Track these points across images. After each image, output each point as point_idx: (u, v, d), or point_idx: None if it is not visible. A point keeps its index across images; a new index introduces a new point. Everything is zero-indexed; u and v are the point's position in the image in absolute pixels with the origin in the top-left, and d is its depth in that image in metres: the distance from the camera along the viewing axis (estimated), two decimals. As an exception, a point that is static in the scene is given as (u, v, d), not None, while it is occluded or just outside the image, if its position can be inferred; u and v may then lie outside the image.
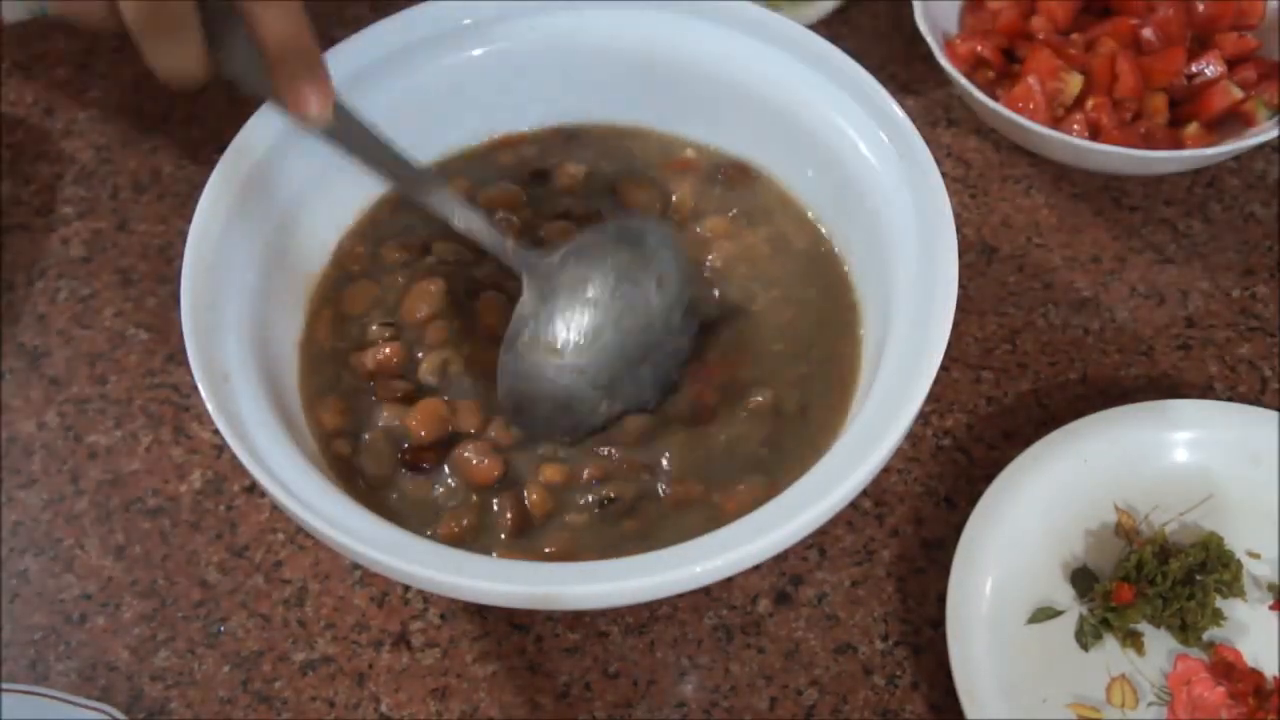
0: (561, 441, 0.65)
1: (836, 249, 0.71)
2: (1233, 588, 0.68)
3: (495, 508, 0.63)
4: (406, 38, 0.72)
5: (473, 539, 0.63)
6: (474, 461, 0.64)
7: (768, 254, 0.71)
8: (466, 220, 0.65)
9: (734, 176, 0.73)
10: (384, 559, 0.57)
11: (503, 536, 0.63)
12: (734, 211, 0.72)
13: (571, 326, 0.65)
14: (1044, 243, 0.82)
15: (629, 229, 0.68)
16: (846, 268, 0.70)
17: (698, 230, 0.72)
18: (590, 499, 0.63)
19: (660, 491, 0.64)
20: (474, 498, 0.64)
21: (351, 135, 0.63)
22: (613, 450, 0.65)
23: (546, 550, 0.62)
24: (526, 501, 0.63)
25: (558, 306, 0.65)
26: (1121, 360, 0.78)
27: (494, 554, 0.62)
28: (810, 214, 0.72)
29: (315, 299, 0.70)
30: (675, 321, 0.67)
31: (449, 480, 0.64)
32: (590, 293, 0.65)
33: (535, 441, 0.65)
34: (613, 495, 0.63)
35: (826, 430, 0.65)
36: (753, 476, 0.64)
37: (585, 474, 0.64)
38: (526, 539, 0.63)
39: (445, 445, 0.65)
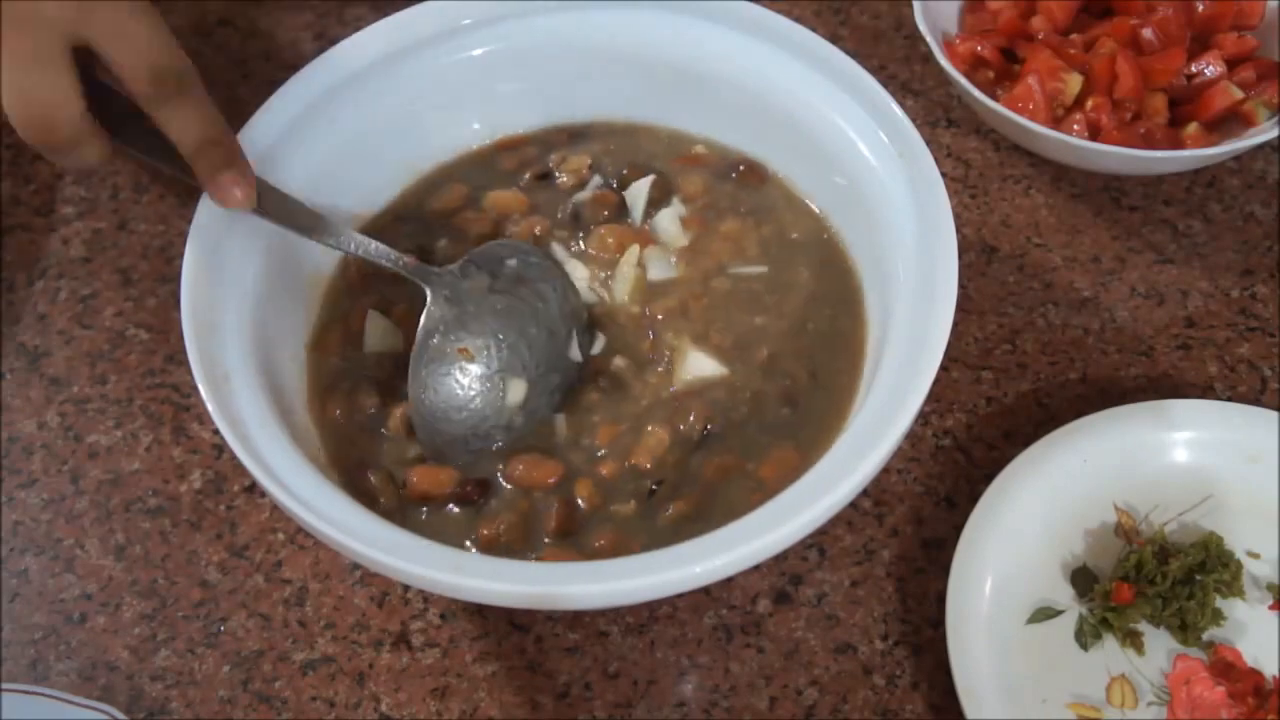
0: (466, 459, 0.65)
1: (841, 242, 0.71)
2: (1232, 587, 0.68)
3: (541, 509, 0.64)
4: (407, 38, 0.72)
5: (519, 543, 0.63)
6: (532, 471, 0.64)
7: (776, 243, 0.72)
8: (365, 248, 0.66)
9: (746, 174, 0.73)
10: (384, 559, 0.57)
11: (546, 540, 0.63)
12: (744, 208, 0.72)
13: (482, 329, 0.66)
14: (1044, 243, 0.82)
15: (510, 245, 0.70)
16: (851, 258, 0.71)
17: (710, 223, 0.72)
18: (634, 487, 0.64)
19: (696, 469, 0.64)
20: (523, 503, 0.64)
21: (268, 203, 0.65)
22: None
23: (597, 544, 0.63)
24: (578, 499, 0.64)
25: (467, 311, 0.66)
26: (1121, 360, 0.78)
27: (535, 556, 0.63)
28: (818, 210, 0.72)
29: (324, 306, 0.71)
30: (566, 331, 0.68)
31: (502, 490, 0.65)
32: (495, 298, 0.67)
33: (440, 460, 0.65)
34: (658, 481, 0.64)
35: (841, 394, 0.66)
36: (782, 442, 0.65)
37: (628, 464, 0.65)
38: (574, 537, 0.63)
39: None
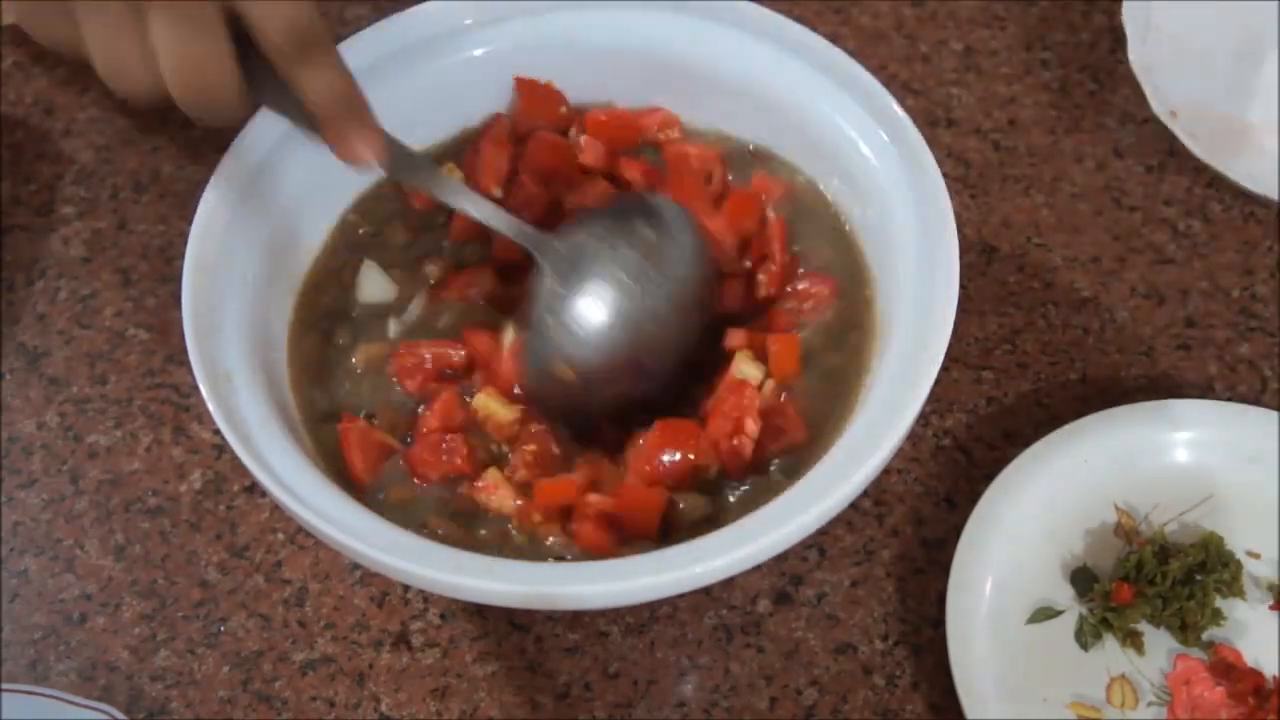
0: (572, 428, 0.65)
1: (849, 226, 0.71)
2: (1232, 587, 0.68)
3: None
4: (407, 38, 0.72)
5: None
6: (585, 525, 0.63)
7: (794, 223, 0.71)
8: (482, 211, 0.66)
9: (760, 157, 0.73)
10: (384, 559, 0.57)
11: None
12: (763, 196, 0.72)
13: (597, 307, 0.64)
14: (1044, 243, 0.82)
15: (648, 207, 0.67)
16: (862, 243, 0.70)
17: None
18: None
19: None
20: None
21: (395, 163, 0.65)
22: None
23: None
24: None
25: (584, 288, 0.64)
26: (1121, 360, 0.78)
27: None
28: (828, 195, 0.72)
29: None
30: (693, 310, 0.66)
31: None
32: (615, 273, 0.65)
33: (554, 424, 0.65)
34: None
35: (842, 395, 0.65)
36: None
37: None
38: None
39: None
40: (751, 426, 0.64)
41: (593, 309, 0.64)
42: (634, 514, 0.62)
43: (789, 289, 0.69)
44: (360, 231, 0.72)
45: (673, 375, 0.66)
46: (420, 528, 0.61)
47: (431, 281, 0.70)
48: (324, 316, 0.69)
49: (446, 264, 0.70)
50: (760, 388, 0.65)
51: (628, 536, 0.62)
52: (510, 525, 0.63)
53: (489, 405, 0.65)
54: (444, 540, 0.60)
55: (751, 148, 0.73)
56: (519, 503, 0.63)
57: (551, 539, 0.62)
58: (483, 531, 0.63)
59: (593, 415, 0.66)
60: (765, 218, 0.70)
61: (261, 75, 0.60)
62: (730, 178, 0.73)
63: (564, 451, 0.65)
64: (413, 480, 0.64)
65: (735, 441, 0.63)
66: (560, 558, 0.61)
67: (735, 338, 0.67)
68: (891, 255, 0.66)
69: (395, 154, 0.64)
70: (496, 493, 0.63)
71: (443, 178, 0.67)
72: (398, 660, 0.68)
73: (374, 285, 0.70)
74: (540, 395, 0.65)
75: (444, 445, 0.64)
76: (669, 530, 0.62)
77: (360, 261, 0.70)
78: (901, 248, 0.66)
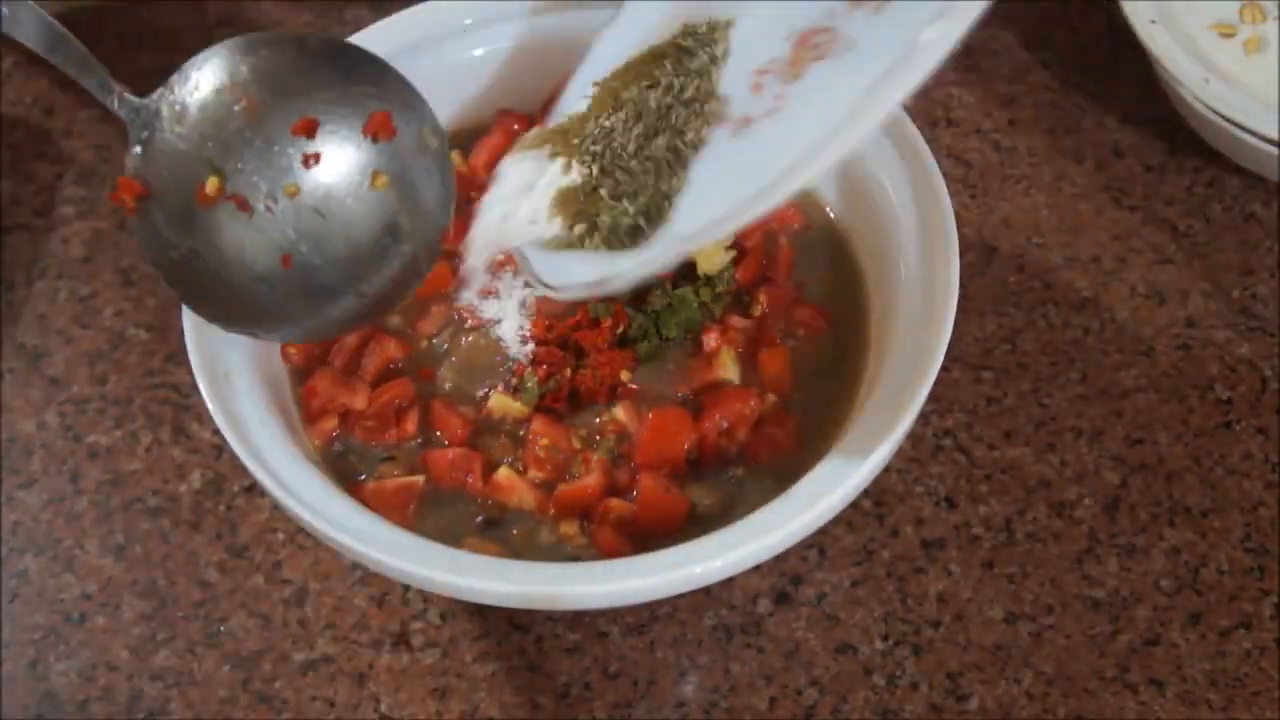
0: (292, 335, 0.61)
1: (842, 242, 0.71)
2: None
3: None
4: (407, 38, 0.72)
5: None
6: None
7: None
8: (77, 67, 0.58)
9: None
10: (384, 559, 0.57)
11: None
12: None
13: (180, 178, 0.58)
14: (1044, 243, 0.82)
15: (255, 51, 0.58)
16: (850, 244, 0.71)
17: None
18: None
19: None
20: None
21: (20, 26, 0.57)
22: None
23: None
24: None
25: (167, 155, 0.57)
26: (1121, 360, 0.78)
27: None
28: (821, 201, 0.72)
29: None
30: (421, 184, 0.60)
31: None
32: (198, 135, 0.57)
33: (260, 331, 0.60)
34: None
35: (842, 395, 0.66)
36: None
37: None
38: None
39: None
40: (741, 433, 0.65)
41: (174, 187, 0.57)
42: (655, 519, 0.62)
43: (786, 313, 0.69)
44: None
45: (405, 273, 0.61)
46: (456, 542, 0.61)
47: None
48: None
49: None
50: (762, 398, 0.65)
51: (647, 540, 0.61)
52: (537, 521, 0.63)
53: (505, 404, 0.65)
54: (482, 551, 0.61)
55: None
56: (538, 497, 0.63)
57: (571, 539, 0.63)
58: (515, 531, 0.63)
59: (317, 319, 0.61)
60: (777, 242, 0.71)
61: None
62: None
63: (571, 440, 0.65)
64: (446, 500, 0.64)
65: (723, 442, 0.64)
66: (574, 558, 0.62)
67: (712, 339, 0.67)
68: (891, 256, 0.66)
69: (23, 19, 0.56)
70: (515, 491, 0.63)
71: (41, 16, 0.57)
72: (398, 660, 0.68)
73: None
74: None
75: (452, 458, 0.64)
76: (687, 531, 0.62)
77: None
78: (901, 248, 0.66)
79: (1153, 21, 0.82)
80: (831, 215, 0.72)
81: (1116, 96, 0.88)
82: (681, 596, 0.69)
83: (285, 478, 0.59)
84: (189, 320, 0.62)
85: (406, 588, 0.70)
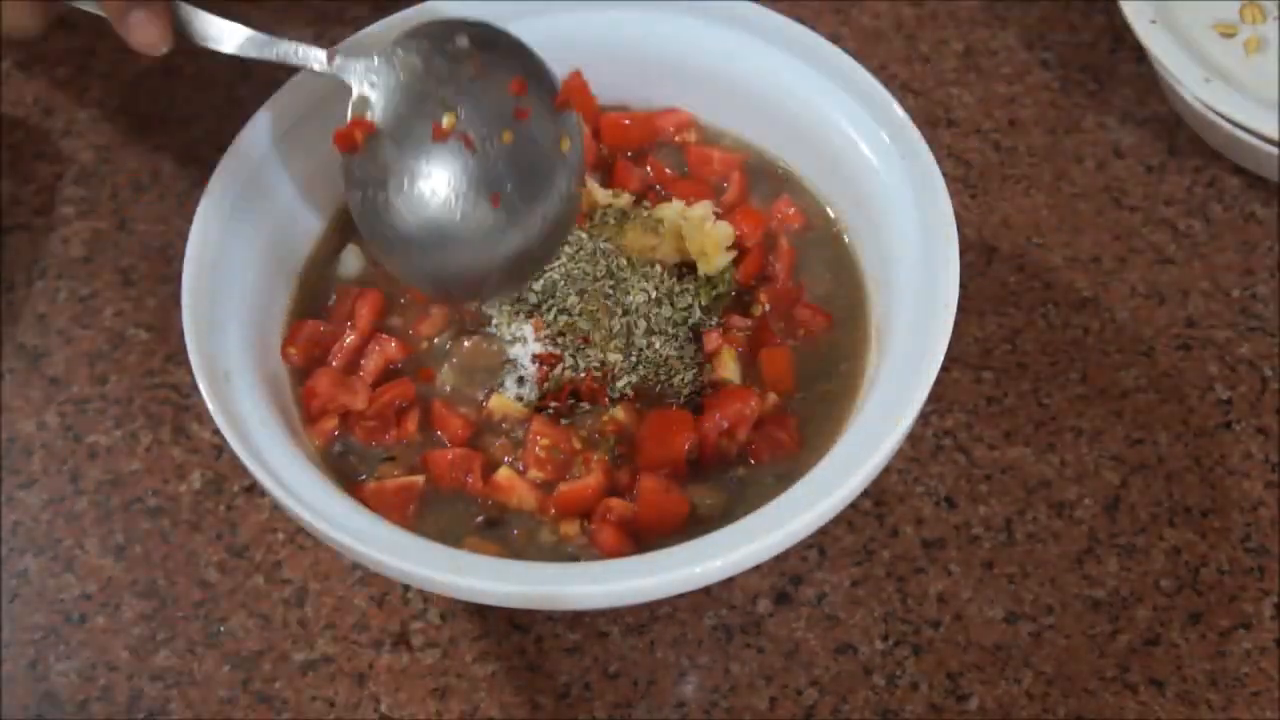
0: (463, 296, 0.65)
1: (842, 242, 0.71)
2: None
3: None
4: (407, 38, 0.72)
5: None
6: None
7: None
8: (272, 48, 0.64)
9: (789, 182, 0.74)
10: (384, 559, 0.57)
11: None
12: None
13: (416, 117, 0.63)
14: (1044, 243, 0.82)
15: (469, 27, 0.65)
16: (851, 244, 0.71)
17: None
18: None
19: None
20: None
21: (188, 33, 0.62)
22: None
23: None
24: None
25: (401, 99, 0.63)
26: (1121, 360, 0.78)
27: None
28: (822, 201, 0.72)
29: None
30: (553, 143, 0.65)
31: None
32: (430, 83, 0.63)
33: (439, 294, 0.65)
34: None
35: (842, 395, 0.66)
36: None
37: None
38: None
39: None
40: (742, 433, 0.65)
41: (411, 124, 0.63)
42: (656, 519, 0.62)
43: (786, 313, 0.69)
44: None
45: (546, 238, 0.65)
46: (456, 542, 0.61)
47: None
48: (322, 313, 0.69)
49: None
50: (763, 398, 0.65)
51: (648, 540, 0.62)
52: (538, 521, 0.63)
53: (505, 405, 0.65)
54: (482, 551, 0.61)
55: (781, 170, 0.73)
56: (538, 497, 0.63)
57: (571, 539, 0.63)
58: (515, 531, 0.63)
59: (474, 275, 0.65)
60: (778, 242, 0.71)
61: None
62: (753, 193, 0.73)
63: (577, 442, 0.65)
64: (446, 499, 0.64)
65: (724, 442, 0.64)
66: (574, 558, 0.62)
67: (713, 339, 0.67)
68: (891, 256, 0.66)
69: (186, 24, 0.61)
70: (515, 491, 0.63)
71: (239, 28, 0.63)
72: (398, 660, 0.68)
73: (350, 261, 0.70)
74: (387, 251, 0.65)
75: (452, 458, 0.64)
76: (689, 531, 0.62)
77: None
78: (901, 248, 0.66)
79: (1153, 21, 0.82)
80: (831, 215, 0.72)
81: (1116, 96, 0.88)
82: (681, 596, 0.69)
83: (285, 478, 0.59)
84: (189, 320, 0.62)
85: (406, 588, 0.70)
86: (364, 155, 0.64)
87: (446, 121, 0.64)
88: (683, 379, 0.66)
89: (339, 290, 0.69)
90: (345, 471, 0.65)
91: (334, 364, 0.67)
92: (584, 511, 0.63)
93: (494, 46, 0.65)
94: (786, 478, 0.61)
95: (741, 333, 0.68)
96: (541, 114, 0.65)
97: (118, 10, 0.57)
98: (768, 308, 0.68)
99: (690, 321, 0.67)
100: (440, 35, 0.65)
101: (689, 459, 0.64)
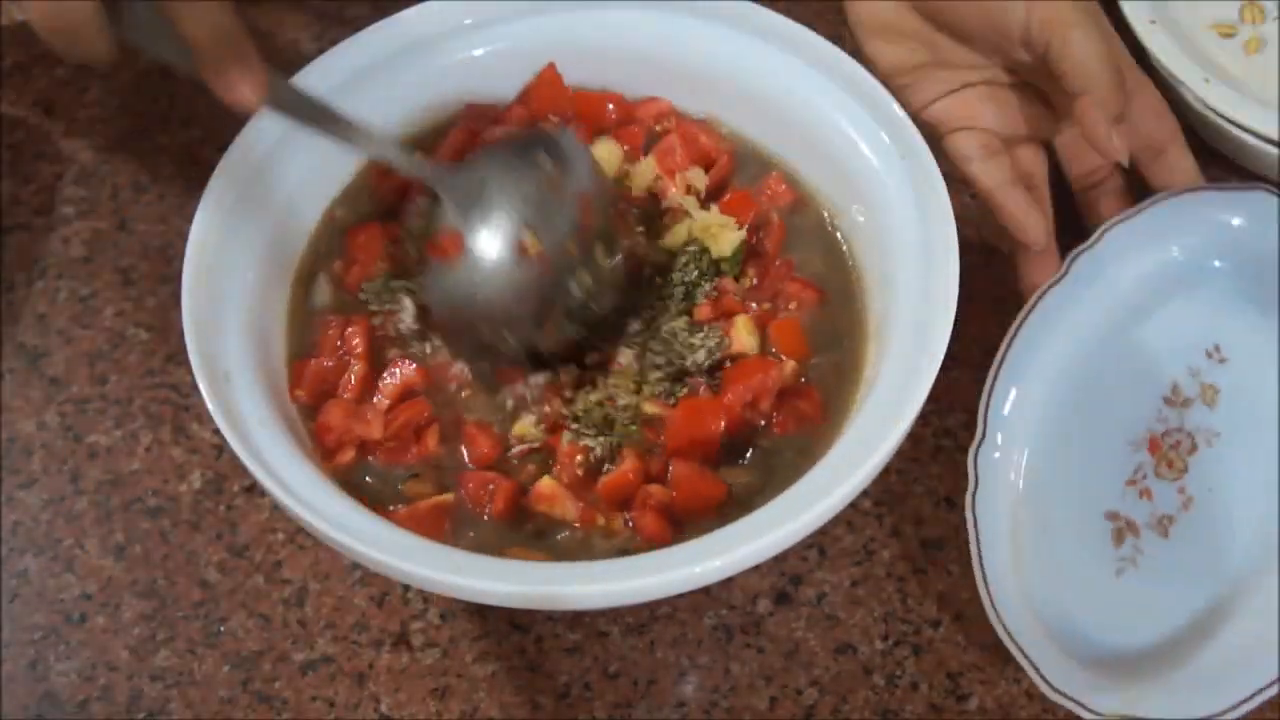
0: (500, 363, 0.66)
1: (843, 241, 0.71)
2: None
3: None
4: (407, 37, 0.72)
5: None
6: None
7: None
8: (378, 146, 0.66)
9: (776, 166, 0.73)
10: (384, 559, 0.57)
11: None
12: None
13: (500, 236, 0.65)
14: (1044, 243, 0.82)
15: (546, 139, 0.68)
16: (848, 239, 0.71)
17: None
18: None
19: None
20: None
21: (287, 104, 0.64)
22: None
23: None
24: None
25: (487, 218, 0.65)
26: (1121, 360, 0.78)
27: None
28: (821, 201, 0.72)
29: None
30: (600, 249, 0.67)
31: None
32: (517, 205, 0.65)
33: (474, 361, 0.66)
34: None
35: (842, 394, 0.66)
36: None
37: None
38: None
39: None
40: (765, 404, 0.65)
41: (495, 243, 0.65)
42: (693, 503, 0.63)
43: (776, 288, 0.69)
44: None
45: (591, 311, 0.67)
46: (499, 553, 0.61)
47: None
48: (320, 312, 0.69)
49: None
50: (781, 367, 0.66)
51: (688, 525, 0.62)
52: (576, 528, 0.63)
53: (525, 429, 0.65)
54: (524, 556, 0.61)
55: (769, 156, 0.73)
56: (580, 505, 0.63)
57: (617, 534, 0.63)
58: (559, 537, 0.63)
59: (510, 353, 0.66)
60: (769, 219, 0.70)
61: (135, 10, 0.59)
62: (738, 179, 0.73)
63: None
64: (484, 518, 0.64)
65: (749, 414, 0.65)
66: (625, 551, 0.62)
67: (705, 311, 0.68)
68: (891, 255, 0.66)
69: (282, 94, 0.63)
70: (558, 502, 0.63)
71: (335, 114, 0.65)
72: (398, 660, 0.68)
73: (322, 290, 0.70)
74: (452, 332, 0.66)
75: (489, 485, 0.64)
76: (728, 512, 0.62)
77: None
78: (901, 248, 0.66)
79: (1152, 21, 0.82)
80: (832, 215, 0.72)
81: (1116, 96, 0.88)
82: (681, 596, 0.69)
83: (285, 478, 0.59)
84: (189, 320, 0.62)
85: (406, 588, 0.70)
86: (454, 266, 0.65)
87: (531, 244, 0.65)
88: (698, 358, 0.66)
89: (319, 322, 0.68)
90: (372, 499, 0.63)
91: (346, 396, 0.66)
92: (626, 499, 0.63)
93: (565, 159, 0.67)
94: (814, 448, 0.62)
95: (736, 297, 0.68)
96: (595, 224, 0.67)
97: (214, 71, 0.60)
98: (755, 281, 0.69)
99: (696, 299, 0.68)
100: (523, 148, 0.67)
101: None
